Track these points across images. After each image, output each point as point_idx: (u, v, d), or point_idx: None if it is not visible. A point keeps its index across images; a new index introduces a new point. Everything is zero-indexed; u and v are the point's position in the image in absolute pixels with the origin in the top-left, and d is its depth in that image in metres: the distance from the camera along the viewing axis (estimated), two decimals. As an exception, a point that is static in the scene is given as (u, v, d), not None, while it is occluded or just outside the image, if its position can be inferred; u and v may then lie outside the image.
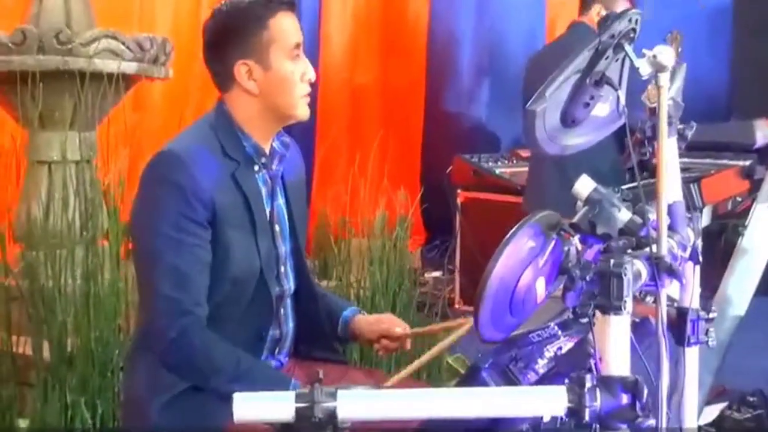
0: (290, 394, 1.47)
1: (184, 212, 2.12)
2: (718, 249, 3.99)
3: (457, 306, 6.02)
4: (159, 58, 3.90)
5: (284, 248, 2.36)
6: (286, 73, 2.24)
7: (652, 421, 1.53)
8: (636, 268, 1.64)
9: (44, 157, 3.81)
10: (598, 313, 1.60)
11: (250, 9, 2.24)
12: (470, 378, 1.80)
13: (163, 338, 2.10)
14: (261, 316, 2.28)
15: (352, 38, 7.04)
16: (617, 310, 1.55)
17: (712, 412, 4.25)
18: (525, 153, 6.30)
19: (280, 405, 1.47)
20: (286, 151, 2.36)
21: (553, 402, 1.51)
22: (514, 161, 6.18)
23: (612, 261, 1.55)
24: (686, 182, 3.66)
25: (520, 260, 1.76)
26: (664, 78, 1.67)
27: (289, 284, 2.37)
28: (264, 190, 2.30)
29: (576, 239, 1.81)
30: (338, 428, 1.47)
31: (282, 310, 2.35)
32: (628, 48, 1.72)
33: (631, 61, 1.72)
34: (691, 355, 2.20)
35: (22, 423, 2.91)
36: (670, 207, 2.02)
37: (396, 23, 7.32)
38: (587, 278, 1.59)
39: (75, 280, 3.07)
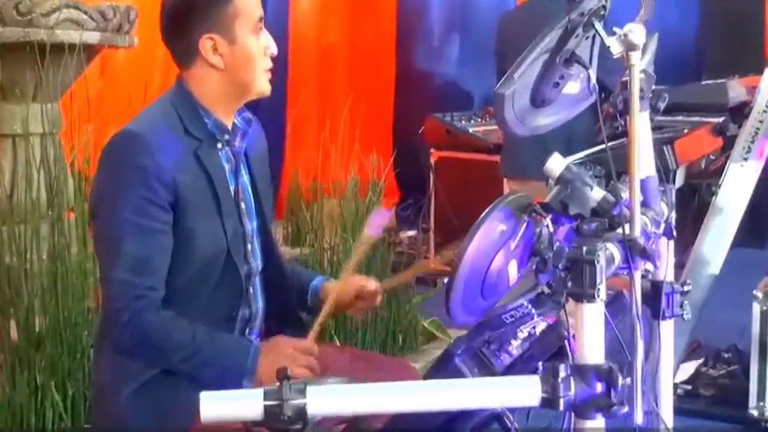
0: (258, 392, 1.44)
1: (145, 195, 2.07)
2: (692, 208, 3.97)
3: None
4: (123, 27, 3.83)
5: (250, 226, 2.32)
6: (250, 47, 2.20)
7: (626, 409, 1.50)
8: (609, 252, 1.61)
9: (7, 131, 3.77)
10: (571, 300, 1.57)
11: None
12: (443, 365, 1.77)
13: (117, 322, 2.07)
14: (230, 296, 2.25)
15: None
16: (590, 298, 1.51)
17: (688, 369, 4.27)
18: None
19: (249, 403, 1.44)
20: (249, 127, 2.32)
21: (527, 392, 1.48)
22: (487, 119, 6.14)
23: (584, 248, 1.51)
24: (659, 144, 3.64)
25: (491, 243, 1.73)
26: (635, 56, 1.63)
27: (257, 262, 2.34)
28: (228, 168, 2.26)
29: (548, 220, 1.78)
30: (308, 424, 1.44)
31: (251, 289, 2.32)
32: (599, 26, 1.68)
33: (601, 39, 1.67)
34: (666, 328, 2.18)
35: (-9, 408, 2.87)
36: (642, 182, 1.99)
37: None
38: (559, 266, 1.55)
39: (41, 260, 3.00)
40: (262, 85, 2.24)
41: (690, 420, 3.89)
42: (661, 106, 2.13)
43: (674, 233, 2.07)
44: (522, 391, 1.49)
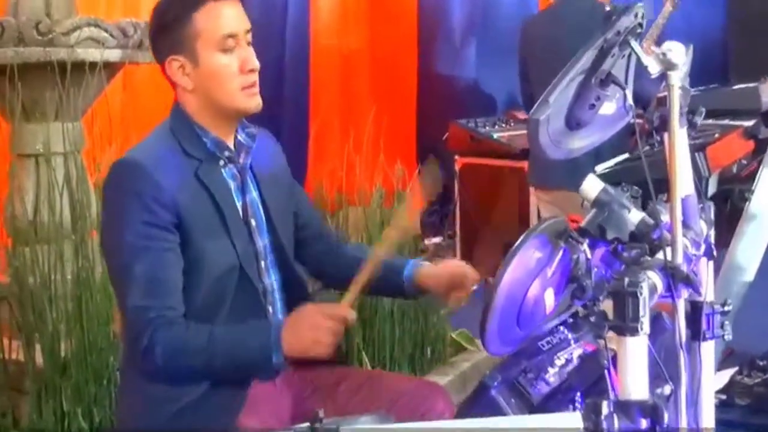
0: (291, 435, 1.39)
1: (146, 219, 2.04)
2: (724, 214, 3.88)
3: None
4: (144, 43, 3.77)
5: (262, 243, 2.27)
6: (216, 66, 2.14)
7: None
8: (651, 282, 1.54)
9: (29, 151, 3.71)
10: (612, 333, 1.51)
11: (173, 3, 2.17)
12: (478, 398, 1.73)
13: (138, 349, 2.03)
14: (249, 315, 2.19)
15: (342, 5, 6.91)
16: (634, 331, 1.44)
17: (722, 377, 4.18)
18: (521, 115, 6.20)
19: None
20: (253, 142, 2.27)
21: (568, 429, 1.42)
22: (511, 124, 6.08)
23: (627, 280, 1.45)
24: (691, 151, 3.56)
25: (527, 272, 1.67)
26: (674, 76, 1.56)
27: (271, 279, 2.28)
28: (233, 185, 2.22)
29: (585, 246, 1.72)
30: (342, 467, 1.39)
31: (270, 308, 2.27)
32: (635, 44, 1.61)
33: (638, 58, 1.60)
34: (707, 349, 2.11)
35: (18, 435, 2.84)
36: (682, 202, 1.92)
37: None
38: (601, 298, 1.49)
39: (66, 284, 2.96)
40: (239, 103, 2.17)
41: (726, 430, 3.81)
42: (698, 120, 2.06)
43: (714, 252, 2.00)
44: (563, 429, 1.43)
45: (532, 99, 4.67)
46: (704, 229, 2.03)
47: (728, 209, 3.92)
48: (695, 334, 2.06)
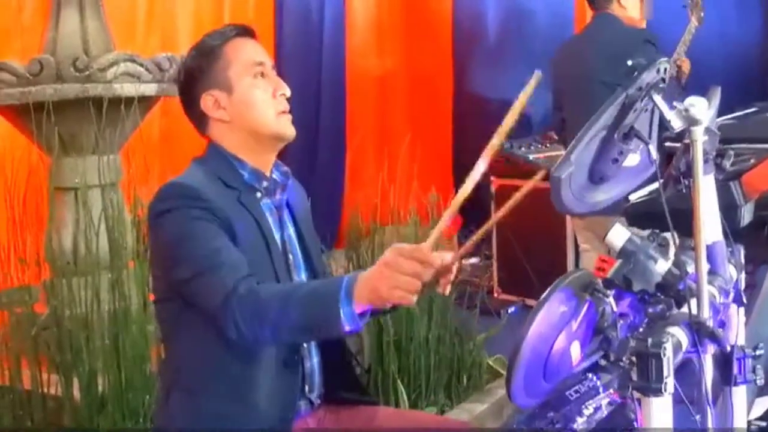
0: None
1: (199, 217, 2.04)
2: (761, 241, 3.84)
3: (496, 295, 5.93)
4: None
5: (298, 279, 2.27)
6: (250, 91, 2.18)
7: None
8: (676, 339, 1.53)
9: (69, 183, 3.77)
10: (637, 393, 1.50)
11: (204, 44, 2.21)
12: (506, 452, 1.70)
13: (226, 315, 1.95)
14: (287, 352, 2.18)
15: (377, 26, 6.93)
16: (657, 392, 1.43)
17: (762, 404, 4.13)
18: (557, 135, 6.19)
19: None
20: (287, 180, 2.29)
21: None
22: (547, 145, 6.05)
23: (650, 340, 1.44)
24: (726, 180, 3.52)
25: (552, 326, 1.67)
26: (697, 132, 1.55)
27: None
28: (271, 219, 2.22)
29: (611, 298, 1.71)
30: None
31: (304, 346, 2.24)
32: (659, 99, 1.60)
33: (661, 113, 1.60)
34: (739, 394, 2.10)
35: (57, 474, 2.87)
36: (709, 249, 1.91)
37: (420, 6, 7.20)
38: (623, 359, 1.48)
39: (102, 321, 3.00)
40: (276, 128, 2.19)
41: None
42: (727, 164, 2.05)
43: (744, 299, 1.98)
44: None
45: (564, 124, 4.68)
46: (734, 274, 2.02)
47: (766, 235, 3.87)
48: (726, 379, 2.05)
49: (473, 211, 7.16)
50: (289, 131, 2.21)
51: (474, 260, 6.66)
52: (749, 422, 3.99)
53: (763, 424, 4.00)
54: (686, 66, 4.82)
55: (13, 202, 3.52)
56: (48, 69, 3.53)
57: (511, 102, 6.02)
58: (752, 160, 3.85)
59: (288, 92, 2.21)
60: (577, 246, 5.41)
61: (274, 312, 1.93)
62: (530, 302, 5.41)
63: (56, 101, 3.51)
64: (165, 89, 3.77)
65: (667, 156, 1.99)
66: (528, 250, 5.53)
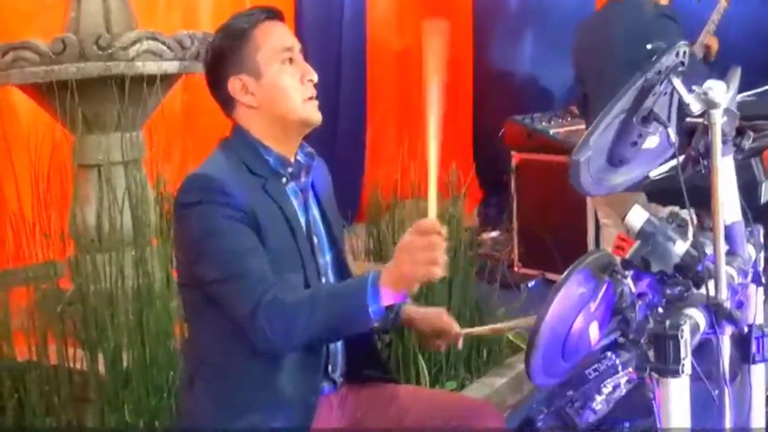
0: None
1: (225, 215, 2.05)
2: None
3: (516, 269, 5.94)
4: (200, 54, 3.82)
5: (323, 260, 2.29)
6: (278, 77, 2.18)
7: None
8: (693, 321, 1.54)
9: (92, 161, 3.79)
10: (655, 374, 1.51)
11: (233, 26, 2.22)
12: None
13: (254, 325, 1.99)
14: None
15: (398, 1, 6.91)
16: (675, 373, 1.45)
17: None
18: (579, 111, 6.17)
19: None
20: (312, 161, 2.30)
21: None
22: (568, 119, 6.03)
23: (667, 322, 1.45)
24: (747, 156, 3.50)
25: (570, 307, 1.68)
26: (716, 114, 1.56)
27: None
28: (296, 203, 2.23)
29: (629, 279, 1.72)
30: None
31: None
32: (678, 83, 1.60)
33: (680, 97, 1.60)
34: (758, 372, 2.11)
35: (83, 449, 2.92)
36: (728, 229, 1.92)
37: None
38: (641, 341, 1.49)
39: (127, 298, 3.03)
40: (303, 114, 2.20)
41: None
42: (746, 144, 2.05)
43: (763, 279, 1.99)
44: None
45: (586, 99, 4.66)
46: (752, 254, 2.03)
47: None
48: (745, 357, 2.06)
49: (494, 186, 7.19)
50: (316, 117, 2.22)
51: (495, 234, 6.67)
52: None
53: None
54: (714, 45, 4.79)
55: (38, 179, 3.55)
56: (71, 48, 3.54)
57: (531, 78, 5.96)
58: (774, 135, 3.84)
59: (315, 78, 2.21)
60: (597, 220, 5.41)
61: (303, 318, 1.98)
62: (550, 276, 5.42)
63: (79, 79, 3.53)
64: (187, 67, 3.78)
65: (688, 132, 1.99)
66: (548, 225, 5.52)
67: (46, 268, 3.31)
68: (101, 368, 3.01)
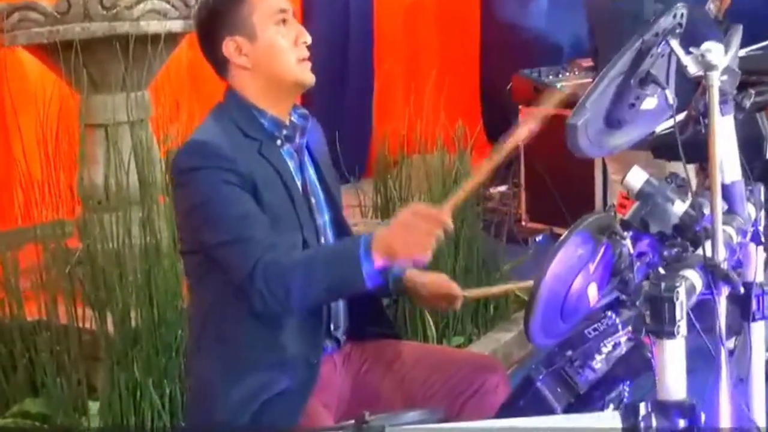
0: (340, 436, 1.45)
1: (224, 179, 2.08)
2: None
3: (523, 222, 5.94)
4: (203, 13, 3.81)
5: (321, 220, 2.31)
6: (273, 39, 2.19)
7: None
8: (689, 282, 1.55)
9: (99, 120, 3.80)
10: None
11: None
12: (524, 391, 1.75)
13: (252, 287, 2.03)
14: None
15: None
16: (670, 335, 1.46)
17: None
18: (586, 62, 6.12)
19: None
20: (306, 122, 2.31)
21: (608, 429, 1.46)
22: (576, 72, 6.00)
23: (663, 284, 1.46)
24: (752, 111, 3.49)
25: (569, 269, 1.69)
26: (714, 77, 1.56)
27: None
28: (292, 164, 2.25)
29: (628, 240, 1.73)
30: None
31: None
32: (675, 45, 1.60)
33: (678, 58, 1.60)
34: (758, 330, 2.12)
35: (93, 407, 2.94)
36: (728, 188, 1.92)
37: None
38: (637, 303, 1.51)
39: (134, 257, 3.06)
40: (297, 75, 2.22)
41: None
42: (747, 103, 2.04)
43: (762, 238, 1.99)
44: (603, 427, 1.47)
45: (597, 52, 4.64)
46: (752, 213, 2.03)
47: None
48: (745, 314, 2.08)
49: (502, 141, 7.11)
50: (309, 78, 2.23)
51: (502, 188, 6.66)
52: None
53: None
54: (726, 2, 4.74)
55: (46, 139, 3.56)
56: (75, 7, 3.53)
57: (539, 32, 5.94)
58: (780, 89, 3.81)
59: (309, 39, 2.23)
60: (605, 175, 5.40)
61: (299, 279, 2.02)
62: (558, 231, 5.43)
63: (84, 39, 3.52)
64: (191, 25, 3.75)
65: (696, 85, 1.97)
66: (556, 179, 5.52)
67: (54, 228, 3.33)
68: (110, 328, 3.04)
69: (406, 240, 1.96)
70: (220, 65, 2.24)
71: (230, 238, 2.07)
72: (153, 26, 3.61)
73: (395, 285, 2.47)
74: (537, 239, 5.68)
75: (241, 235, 2.06)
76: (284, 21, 2.21)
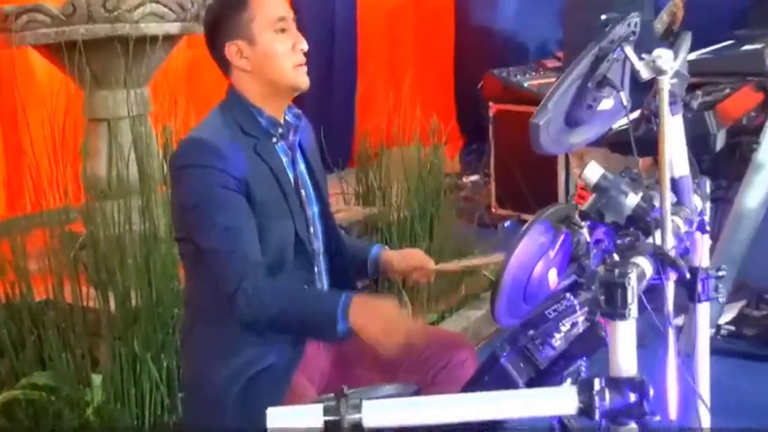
0: (318, 408, 1.45)
1: (220, 183, 2.09)
2: (734, 163, 3.85)
3: (493, 209, 5.97)
4: (200, 15, 3.79)
5: (311, 211, 2.33)
6: (271, 45, 2.20)
7: (658, 418, 1.47)
8: (641, 269, 1.56)
9: (102, 115, 3.78)
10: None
11: None
12: (489, 367, 1.75)
13: (234, 302, 2.07)
14: (303, 278, 2.25)
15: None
16: (623, 317, 1.47)
17: (732, 310, 4.19)
18: (551, 63, 6.15)
19: (310, 418, 1.45)
20: (299, 121, 2.33)
21: (565, 402, 1.47)
22: (541, 72, 6.02)
23: (616, 271, 1.47)
24: (701, 110, 3.51)
25: (531, 255, 1.70)
26: (664, 81, 1.56)
27: (319, 244, 2.34)
28: (285, 160, 2.27)
29: (585, 230, 1.74)
30: (364, 434, 1.45)
31: (316, 268, 2.32)
32: (629, 51, 1.61)
33: (631, 63, 1.60)
34: (703, 310, 2.14)
35: (96, 379, 2.94)
36: (676, 182, 1.94)
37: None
38: (593, 287, 1.51)
39: (134, 243, 3.05)
40: (293, 79, 2.23)
41: (733, 360, 3.83)
42: (695, 104, 2.06)
43: (707, 227, 2.01)
44: (560, 401, 1.48)
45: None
46: (699, 205, 2.05)
47: (737, 158, 3.88)
48: (691, 296, 2.10)
49: (475, 133, 7.18)
50: (304, 83, 2.24)
51: (474, 178, 6.69)
52: (719, 326, 4.07)
53: (732, 327, 4.07)
54: (680, 14, 4.76)
55: (53, 132, 3.54)
56: (80, 10, 3.51)
57: (508, 35, 5.91)
58: (727, 90, 3.84)
59: (306, 47, 2.24)
60: (567, 165, 5.44)
61: (277, 313, 2.08)
62: (525, 216, 5.45)
63: (87, 40, 3.50)
64: (188, 27, 3.76)
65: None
66: (523, 170, 5.53)
67: (60, 215, 3.31)
68: (112, 307, 3.03)
69: (379, 332, 2.03)
70: (224, 66, 2.26)
71: (218, 247, 2.09)
72: (152, 28, 3.60)
73: (373, 267, 2.48)
74: (505, 224, 5.71)
75: (229, 246, 2.08)
76: (283, 30, 2.22)
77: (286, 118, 2.29)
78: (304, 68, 2.24)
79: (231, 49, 2.21)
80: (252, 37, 2.19)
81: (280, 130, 2.25)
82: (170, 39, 3.76)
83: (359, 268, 2.50)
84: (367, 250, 2.51)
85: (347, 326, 2.05)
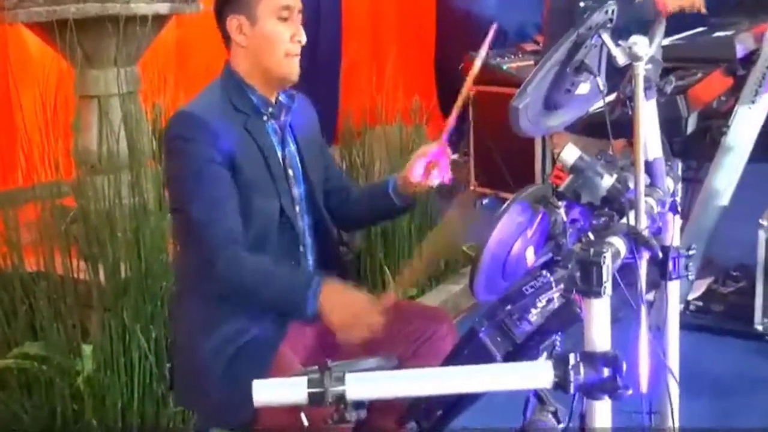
0: (303, 381, 1.44)
1: (207, 158, 2.08)
2: (704, 145, 3.86)
3: (472, 187, 5.97)
4: (189, -3, 3.76)
5: (298, 191, 2.31)
6: (271, 29, 2.19)
7: (630, 391, 1.48)
8: (615, 248, 1.56)
9: (92, 92, 3.74)
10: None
11: None
12: (468, 341, 1.76)
13: (212, 270, 2.06)
14: (287, 253, 2.25)
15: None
16: (597, 294, 1.47)
17: (700, 286, 4.22)
18: (529, 47, 6.13)
19: (295, 390, 1.44)
20: (293, 102, 2.31)
21: (541, 376, 1.47)
22: (520, 55, 6.01)
23: (592, 250, 1.47)
24: (674, 94, 3.52)
25: (510, 234, 1.70)
26: (640, 67, 1.56)
27: (304, 222, 2.33)
28: (275, 139, 2.26)
29: (562, 210, 1.74)
30: (348, 406, 1.45)
31: (301, 247, 2.31)
32: (606, 38, 1.60)
33: (608, 49, 1.60)
34: (673, 287, 2.16)
35: (87, 349, 2.93)
36: (650, 165, 1.95)
37: None
38: (569, 265, 1.51)
39: (124, 217, 3.03)
40: (282, 68, 2.21)
41: (701, 335, 3.87)
42: (669, 89, 2.06)
43: (679, 208, 2.02)
44: (536, 375, 1.48)
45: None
46: (671, 186, 2.05)
47: (707, 141, 3.89)
48: (663, 274, 2.11)
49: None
50: (292, 73, 2.23)
51: (455, 157, 6.65)
52: (689, 301, 4.10)
53: (701, 303, 4.10)
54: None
55: (45, 106, 3.51)
56: (71, -11, 3.47)
57: (488, 19, 5.91)
58: (698, 74, 3.84)
59: (304, 40, 2.22)
60: (543, 145, 5.44)
61: (252, 286, 2.08)
62: (503, 195, 5.45)
63: (78, 19, 3.45)
64: (177, 8, 3.73)
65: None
66: (501, 149, 5.53)
67: (52, 188, 3.29)
68: (102, 278, 3.02)
69: (342, 322, 2.05)
70: (225, 38, 2.25)
71: (199, 217, 2.07)
72: (142, 8, 3.56)
73: (398, 197, 2.41)
74: (484, 201, 5.71)
75: (210, 217, 2.06)
76: (285, 19, 2.20)
77: (280, 98, 2.28)
78: (296, 59, 2.22)
79: (232, 23, 2.20)
80: (255, 17, 2.18)
81: (270, 110, 2.25)
82: (160, 19, 3.72)
83: (389, 208, 2.44)
84: (385, 186, 2.43)
85: (314, 308, 2.05)
